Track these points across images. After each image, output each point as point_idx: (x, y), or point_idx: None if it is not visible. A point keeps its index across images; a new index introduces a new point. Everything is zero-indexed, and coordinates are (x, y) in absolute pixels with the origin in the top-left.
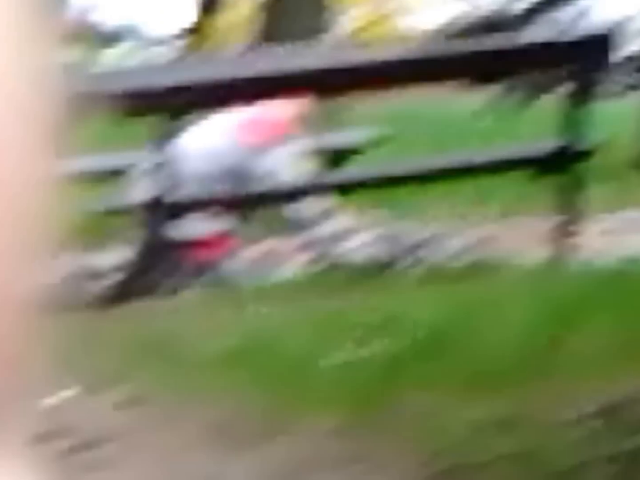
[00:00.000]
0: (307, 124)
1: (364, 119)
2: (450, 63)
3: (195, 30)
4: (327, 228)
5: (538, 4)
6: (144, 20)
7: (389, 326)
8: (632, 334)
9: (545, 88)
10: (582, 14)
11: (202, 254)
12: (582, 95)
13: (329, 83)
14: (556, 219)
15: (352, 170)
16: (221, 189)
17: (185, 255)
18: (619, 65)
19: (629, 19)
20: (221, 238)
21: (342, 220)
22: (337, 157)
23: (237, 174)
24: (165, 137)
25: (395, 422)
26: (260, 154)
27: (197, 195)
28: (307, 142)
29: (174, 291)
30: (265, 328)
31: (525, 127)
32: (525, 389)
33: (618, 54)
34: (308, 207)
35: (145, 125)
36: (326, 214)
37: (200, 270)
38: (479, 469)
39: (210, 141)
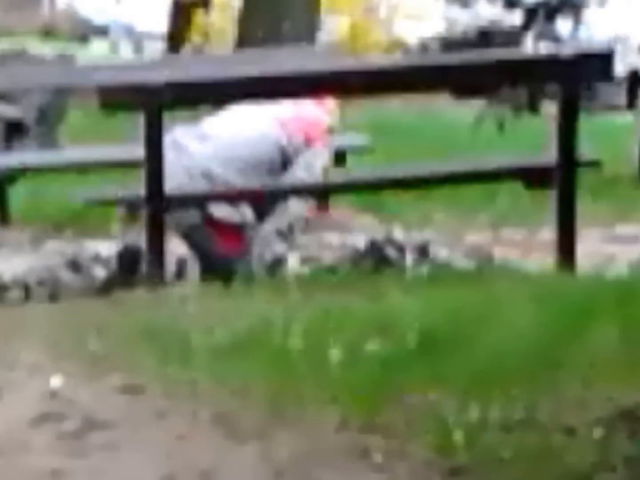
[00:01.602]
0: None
1: (350, 126)
2: (436, 74)
3: (171, 34)
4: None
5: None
6: (132, 16)
7: (391, 325)
8: (635, 342)
9: (532, 102)
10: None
11: (221, 244)
12: (578, 109)
13: (316, 88)
14: (550, 230)
15: (339, 175)
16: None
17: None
18: (617, 81)
19: (625, 37)
20: (235, 230)
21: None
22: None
23: (270, 165)
24: (156, 131)
25: (397, 419)
26: (299, 151)
27: (193, 190)
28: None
29: (176, 281)
30: (267, 322)
31: (520, 140)
32: (528, 391)
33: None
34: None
35: (133, 118)
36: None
37: (208, 261)
38: (483, 470)
39: (248, 129)
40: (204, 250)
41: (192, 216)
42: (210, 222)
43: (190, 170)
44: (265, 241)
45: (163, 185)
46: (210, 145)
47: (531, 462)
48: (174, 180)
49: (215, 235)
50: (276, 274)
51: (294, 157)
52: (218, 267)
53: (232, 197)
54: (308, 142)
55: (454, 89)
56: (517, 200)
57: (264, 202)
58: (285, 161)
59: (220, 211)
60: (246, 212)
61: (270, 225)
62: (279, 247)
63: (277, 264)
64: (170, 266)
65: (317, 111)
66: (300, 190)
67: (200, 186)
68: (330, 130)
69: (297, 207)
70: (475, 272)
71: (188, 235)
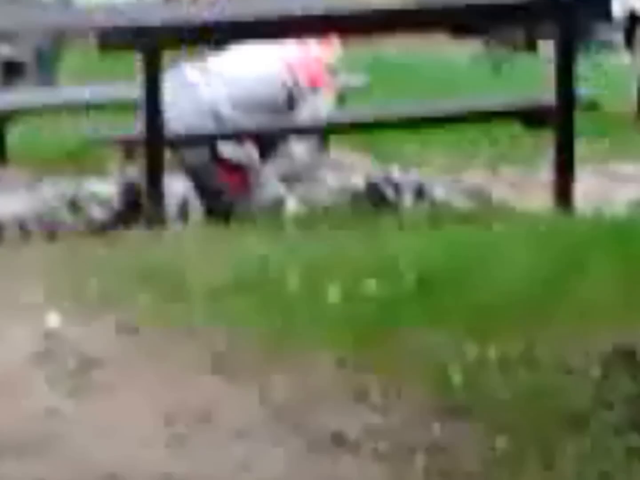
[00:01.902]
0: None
1: (347, 66)
2: (434, 14)
3: None
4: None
5: None
6: None
7: (388, 264)
8: (633, 281)
9: (530, 42)
10: None
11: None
12: (576, 49)
13: (315, 28)
14: (548, 170)
15: (338, 114)
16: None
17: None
18: (615, 21)
19: None
20: (240, 170)
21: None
22: None
23: (276, 106)
24: (155, 71)
25: (395, 359)
26: (305, 95)
27: (192, 130)
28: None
29: (178, 221)
30: (265, 263)
31: (518, 79)
32: (526, 330)
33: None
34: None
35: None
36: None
37: (212, 200)
38: (481, 409)
39: (257, 69)
40: (208, 189)
41: (199, 154)
42: (217, 161)
43: (199, 109)
44: (267, 182)
45: (162, 125)
46: (219, 85)
47: (529, 402)
48: (183, 120)
49: (220, 174)
50: (275, 215)
51: (300, 100)
52: (221, 207)
53: (234, 137)
54: (313, 86)
55: (452, 30)
56: (515, 140)
57: (266, 143)
58: (291, 104)
59: (227, 151)
60: (252, 153)
61: (273, 167)
62: (280, 190)
63: (277, 205)
64: (173, 206)
65: (321, 51)
66: (300, 131)
67: (208, 126)
68: (334, 71)
69: (302, 153)
70: (473, 212)
71: (194, 174)
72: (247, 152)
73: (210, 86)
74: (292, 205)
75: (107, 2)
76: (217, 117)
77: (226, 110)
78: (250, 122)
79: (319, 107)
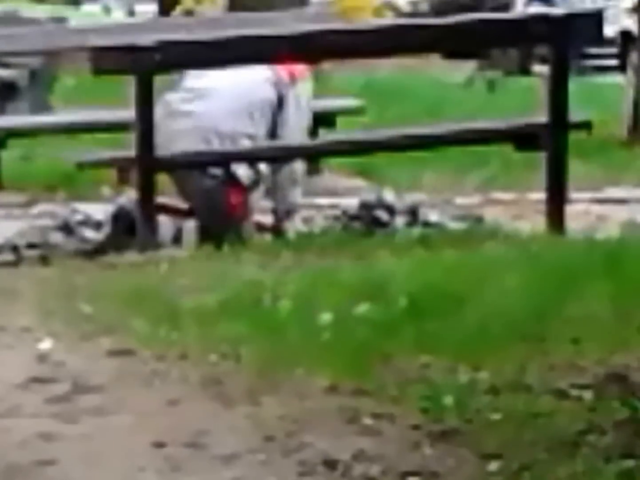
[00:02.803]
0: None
1: (340, 88)
2: (427, 35)
3: None
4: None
5: None
6: None
7: (381, 288)
8: (624, 304)
9: (521, 64)
10: None
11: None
12: (568, 71)
13: (307, 49)
14: (540, 193)
15: (329, 137)
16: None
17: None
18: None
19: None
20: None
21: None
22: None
23: (272, 104)
24: (148, 93)
25: (387, 383)
26: (287, 88)
27: (184, 153)
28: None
29: (169, 244)
30: (257, 286)
31: (511, 102)
32: (518, 353)
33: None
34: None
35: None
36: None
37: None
38: (473, 433)
39: (243, 75)
40: (214, 211)
41: (212, 177)
42: (229, 181)
43: (201, 132)
44: (283, 189)
45: (154, 146)
46: (213, 102)
47: (521, 426)
48: (188, 145)
49: (229, 195)
50: (291, 219)
51: (286, 95)
52: (223, 229)
53: (226, 160)
54: (292, 78)
55: (445, 51)
56: (507, 162)
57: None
58: (279, 99)
59: (240, 171)
60: (262, 166)
61: (282, 175)
62: (292, 195)
63: (292, 211)
64: (166, 229)
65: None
66: (293, 154)
67: (215, 146)
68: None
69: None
70: (466, 234)
71: (204, 197)
72: (258, 167)
73: (206, 107)
74: (298, 222)
75: (100, 21)
76: (220, 136)
77: (228, 128)
78: (252, 128)
79: (301, 100)
